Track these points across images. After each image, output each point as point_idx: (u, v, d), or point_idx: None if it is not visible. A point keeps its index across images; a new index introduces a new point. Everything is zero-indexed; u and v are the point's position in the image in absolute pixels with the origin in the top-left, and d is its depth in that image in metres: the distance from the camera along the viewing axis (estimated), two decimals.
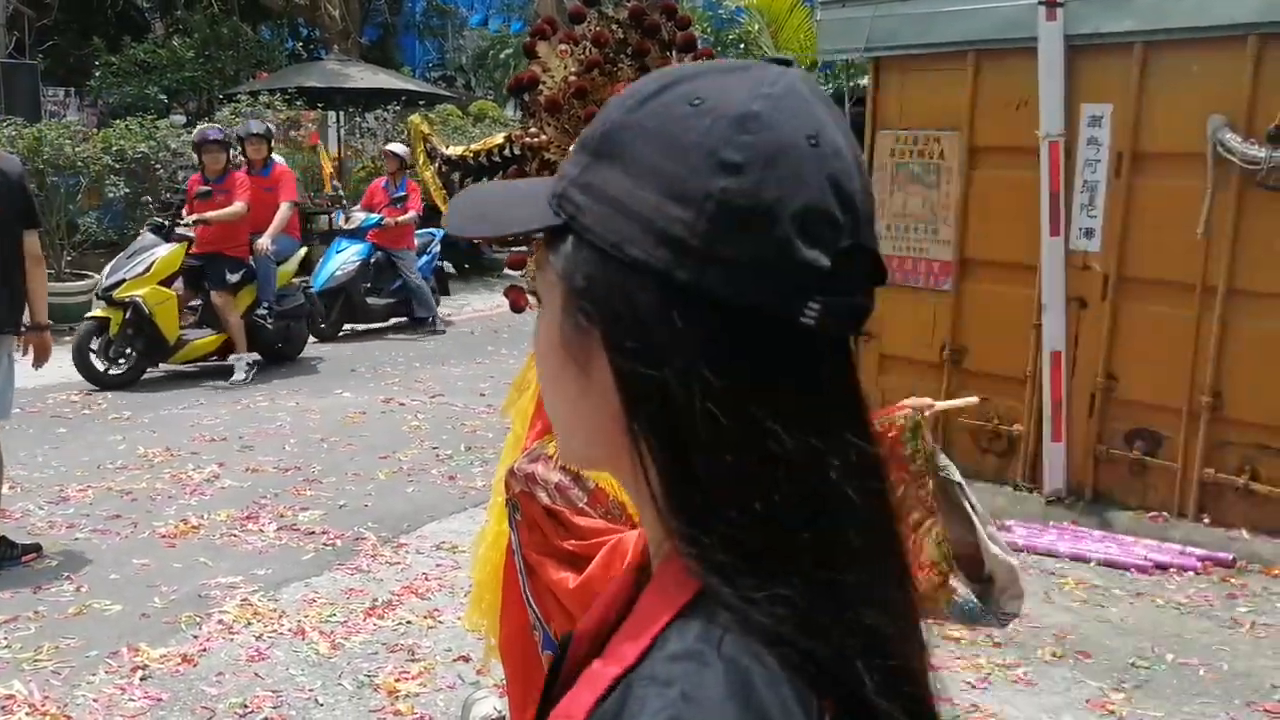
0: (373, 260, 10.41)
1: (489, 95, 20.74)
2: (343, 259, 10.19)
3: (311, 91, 13.93)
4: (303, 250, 9.40)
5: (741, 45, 8.31)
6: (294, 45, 20.72)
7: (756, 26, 8.39)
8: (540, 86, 1.71)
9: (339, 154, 15.37)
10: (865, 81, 6.52)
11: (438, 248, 11.21)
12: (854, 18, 6.19)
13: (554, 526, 1.53)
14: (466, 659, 3.96)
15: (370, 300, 10.48)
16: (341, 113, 15.52)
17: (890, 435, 1.46)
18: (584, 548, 1.50)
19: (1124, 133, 5.31)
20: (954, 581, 1.57)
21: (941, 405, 1.53)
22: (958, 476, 1.56)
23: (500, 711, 2.68)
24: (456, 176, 1.85)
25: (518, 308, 1.75)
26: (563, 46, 1.74)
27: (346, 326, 10.53)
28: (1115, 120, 5.33)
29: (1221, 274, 5.09)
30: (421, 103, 14.65)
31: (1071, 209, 5.49)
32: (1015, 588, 1.57)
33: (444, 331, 10.81)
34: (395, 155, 10.59)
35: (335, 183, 12.51)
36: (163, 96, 14.02)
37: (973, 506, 1.56)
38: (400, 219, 10.39)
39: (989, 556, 1.54)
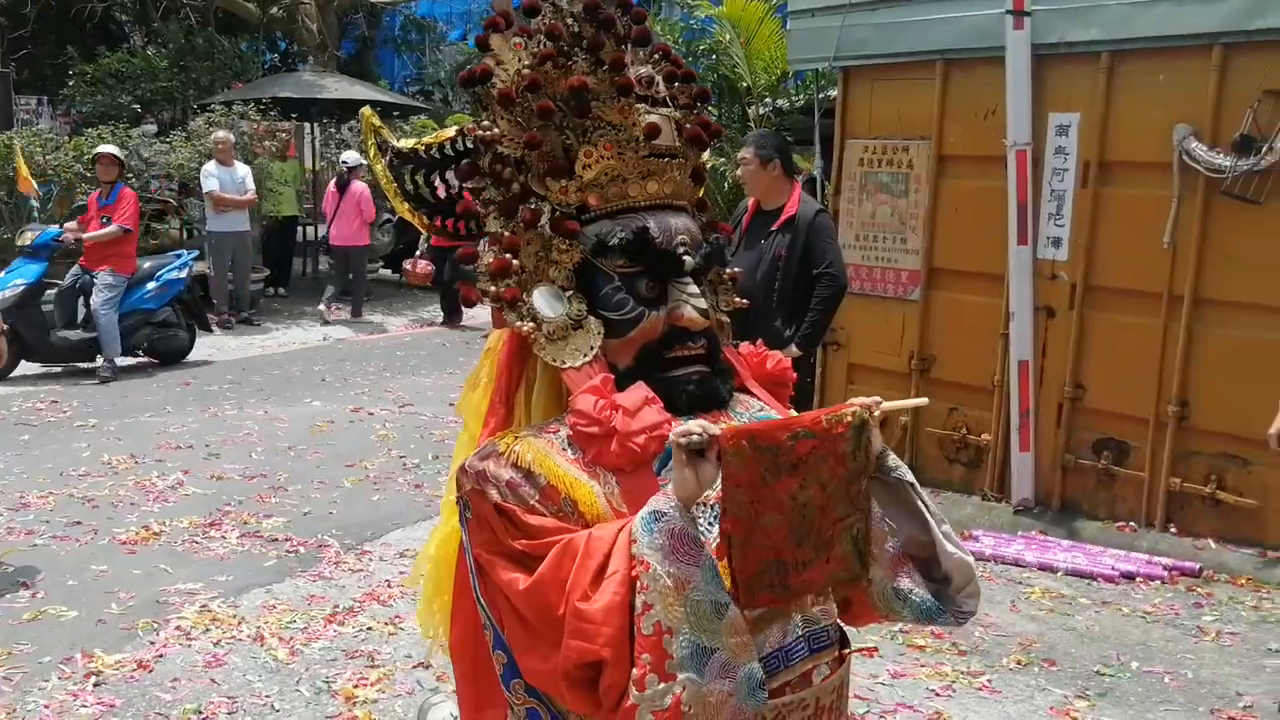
0: (78, 285, 8.72)
1: (466, 109, 20.73)
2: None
3: (286, 102, 13.86)
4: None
5: (713, 55, 8.34)
6: (271, 59, 20.65)
7: (728, 37, 8.41)
8: (493, 79, 1.69)
9: (314, 165, 15.32)
10: (835, 93, 6.54)
11: (183, 273, 9.25)
12: (823, 28, 6.21)
13: (504, 525, 1.50)
14: (426, 665, 3.91)
15: (61, 334, 8.62)
16: (316, 124, 15.47)
17: (836, 432, 1.44)
18: (534, 547, 1.47)
19: (1091, 142, 5.34)
20: (910, 582, 1.54)
21: (889, 405, 1.51)
22: (909, 477, 1.55)
23: (457, 717, 2.63)
24: (408, 169, 1.82)
25: (468, 302, 1.73)
26: (517, 40, 1.72)
27: (25, 365, 8.58)
28: (1082, 129, 5.36)
29: (1188, 283, 5.11)
30: (396, 114, 14.62)
31: (1039, 218, 5.51)
32: (972, 586, 1.55)
33: (109, 379, 8.54)
34: (111, 159, 8.96)
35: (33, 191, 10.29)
36: (136, 106, 13.93)
37: (926, 506, 1.54)
38: (96, 235, 8.63)
39: (944, 555, 1.52)
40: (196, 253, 9.95)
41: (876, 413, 1.47)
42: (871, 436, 1.47)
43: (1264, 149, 4.80)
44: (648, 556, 1.37)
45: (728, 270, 1.84)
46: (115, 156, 8.96)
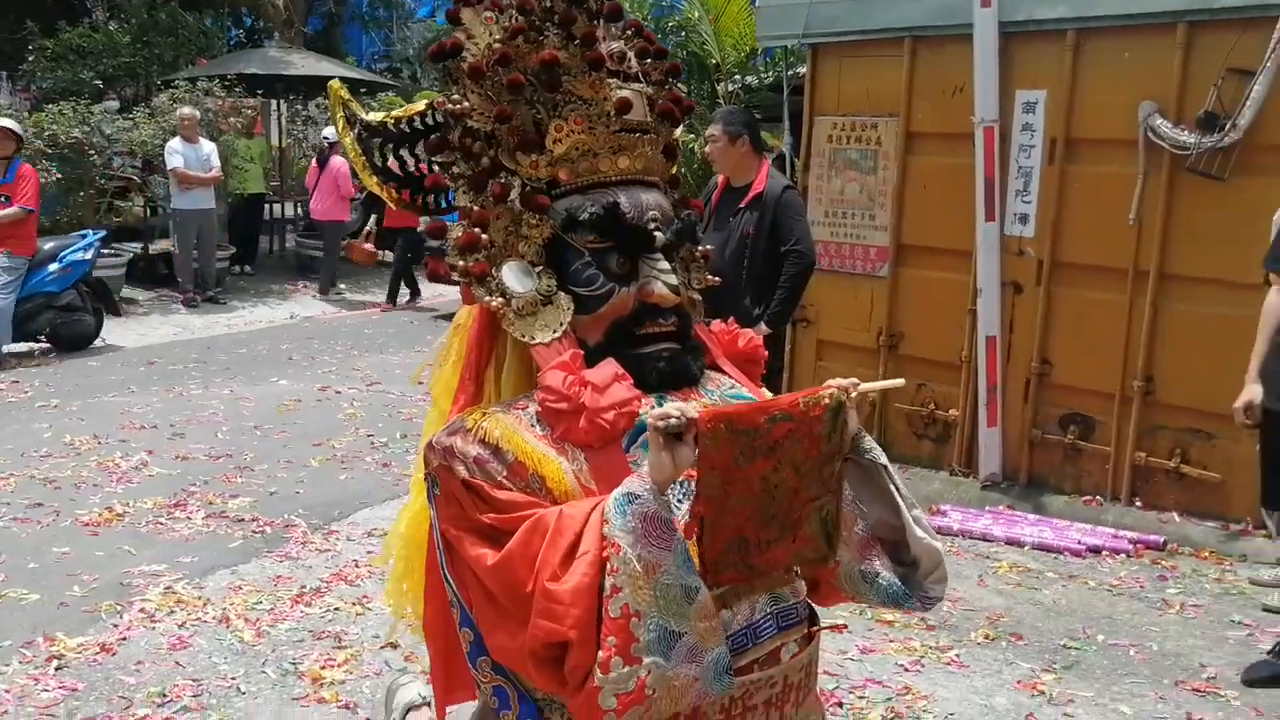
0: None
1: (435, 86, 20.55)
2: None
3: (252, 79, 13.67)
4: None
5: (682, 32, 8.29)
6: (236, 34, 20.37)
7: (696, 14, 8.36)
8: (464, 53, 1.66)
9: (280, 142, 15.14)
10: (804, 70, 6.52)
11: (88, 254, 8.79)
12: (792, 4, 6.18)
13: (472, 500, 1.48)
14: (394, 645, 3.88)
15: None
16: (283, 101, 15.28)
17: (813, 415, 1.42)
18: (503, 522, 1.45)
19: (1058, 119, 5.35)
20: (878, 565, 1.54)
21: (867, 386, 1.49)
22: (883, 459, 1.54)
23: (425, 697, 2.62)
24: (377, 143, 1.79)
25: (436, 276, 1.70)
26: (488, 14, 1.70)
27: None
28: (1049, 106, 5.37)
29: (1153, 259, 5.14)
30: (364, 91, 14.44)
31: (1006, 195, 5.53)
32: (939, 571, 1.55)
33: None
34: (6, 133, 8.30)
35: None
36: (98, 82, 13.68)
37: (898, 490, 1.53)
38: None
39: (914, 540, 1.52)
40: (104, 232, 9.48)
41: (853, 394, 1.46)
42: (848, 418, 1.46)
43: (1227, 126, 4.83)
44: (619, 539, 1.36)
45: (700, 248, 1.83)
46: (10, 130, 8.34)
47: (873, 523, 1.55)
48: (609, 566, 1.36)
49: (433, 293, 12.20)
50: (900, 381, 1.70)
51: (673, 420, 1.38)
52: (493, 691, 1.57)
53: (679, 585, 1.37)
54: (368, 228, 11.94)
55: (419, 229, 10.78)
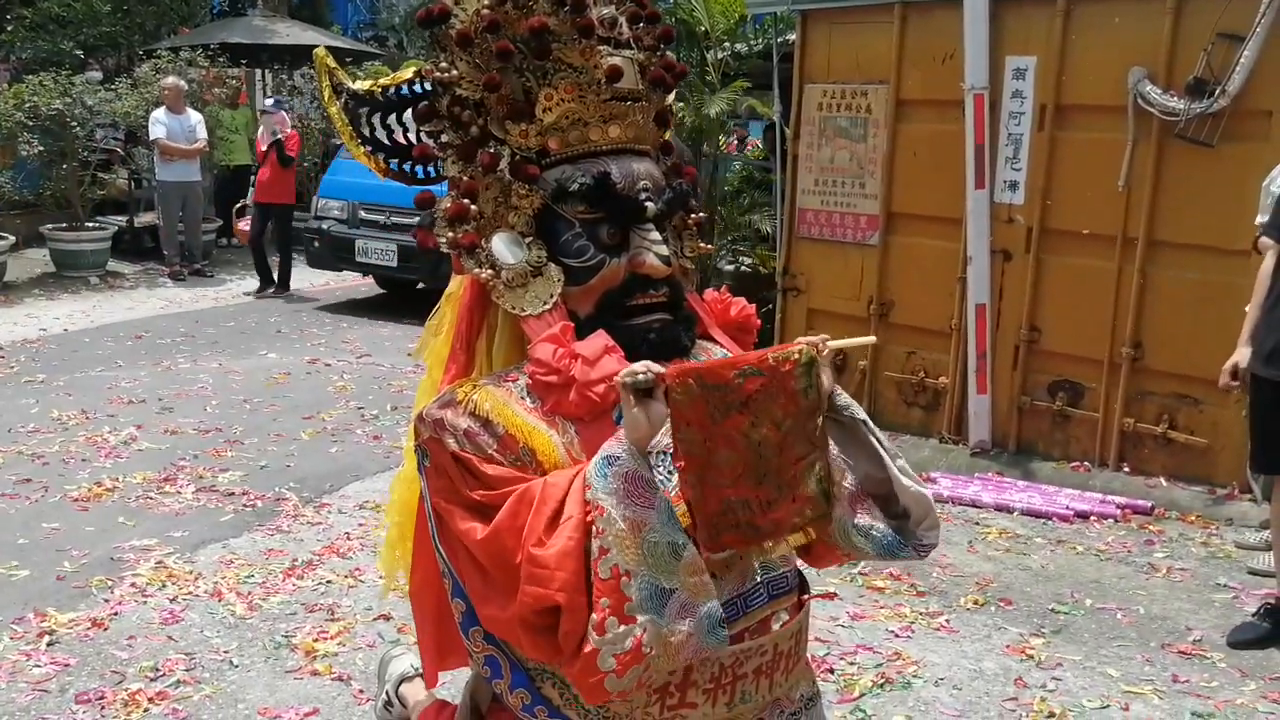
0: None
1: (421, 55, 20.36)
2: None
3: (236, 48, 13.51)
4: None
5: (670, 0, 8.23)
6: (219, 3, 20.12)
7: None
8: (452, 19, 1.64)
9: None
10: (794, 37, 6.47)
11: None
12: None
13: (461, 474, 1.48)
14: (387, 617, 3.90)
15: None
16: (268, 70, 15.12)
17: (784, 370, 1.42)
18: (492, 497, 1.46)
19: (1047, 85, 5.33)
20: (869, 518, 1.54)
21: (836, 343, 1.49)
22: (861, 414, 1.54)
23: (418, 669, 2.64)
24: (364, 112, 1.77)
25: (424, 247, 1.69)
26: None
27: None
28: (1039, 73, 5.35)
29: (1142, 226, 5.15)
30: (350, 60, 14.30)
31: (996, 162, 5.51)
32: (931, 519, 1.55)
33: None
34: None
35: None
36: (79, 52, 13.50)
37: (880, 442, 1.53)
38: None
39: (901, 490, 1.52)
40: None
41: (824, 350, 1.46)
42: (821, 374, 1.45)
43: (1217, 92, 4.82)
44: (602, 501, 1.37)
45: (693, 215, 1.81)
46: None
47: (860, 477, 1.54)
48: (595, 529, 1.37)
49: (317, 282, 11.06)
50: (871, 339, 1.70)
51: (640, 376, 1.39)
52: (485, 661, 1.57)
53: (665, 542, 1.38)
54: (243, 202, 11.13)
55: (292, 204, 10.27)
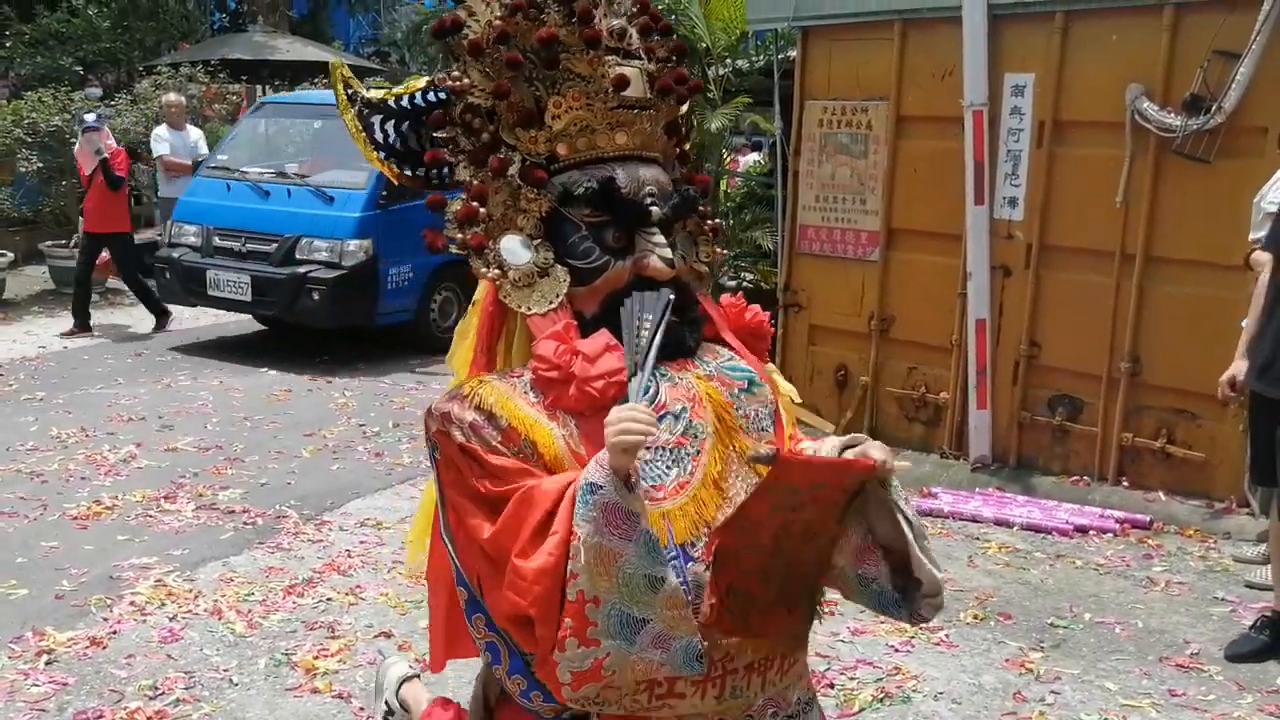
0: None
1: (424, 71, 20.43)
2: None
3: (237, 64, 13.58)
4: None
5: (672, 16, 8.23)
6: (220, 18, 20.22)
7: None
8: (464, 30, 1.70)
9: None
10: (795, 53, 6.51)
11: None
12: None
13: (469, 464, 1.54)
14: (388, 635, 3.89)
15: None
16: (268, 86, 15.19)
17: (843, 483, 1.49)
18: (496, 492, 1.51)
19: (1046, 102, 5.35)
20: (874, 570, 1.57)
21: (902, 464, 1.55)
22: (904, 505, 1.59)
23: (415, 670, 2.68)
24: (377, 120, 1.82)
25: (434, 249, 1.74)
26: None
27: None
28: (1037, 89, 5.38)
29: (1139, 241, 5.16)
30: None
31: (995, 178, 5.53)
32: (938, 600, 1.57)
33: None
34: None
35: None
36: (78, 68, 13.56)
37: (907, 520, 1.55)
38: None
39: (918, 566, 1.54)
40: None
41: (887, 467, 1.50)
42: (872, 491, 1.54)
43: (1213, 108, 4.84)
44: (578, 528, 1.42)
45: (709, 221, 1.85)
46: None
47: (879, 538, 1.57)
48: (570, 551, 1.42)
49: (209, 317, 9.64)
50: (908, 465, 1.68)
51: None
52: (485, 647, 1.61)
53: (641, 575, 1.43)
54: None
55: (128, 231, 9.09)
